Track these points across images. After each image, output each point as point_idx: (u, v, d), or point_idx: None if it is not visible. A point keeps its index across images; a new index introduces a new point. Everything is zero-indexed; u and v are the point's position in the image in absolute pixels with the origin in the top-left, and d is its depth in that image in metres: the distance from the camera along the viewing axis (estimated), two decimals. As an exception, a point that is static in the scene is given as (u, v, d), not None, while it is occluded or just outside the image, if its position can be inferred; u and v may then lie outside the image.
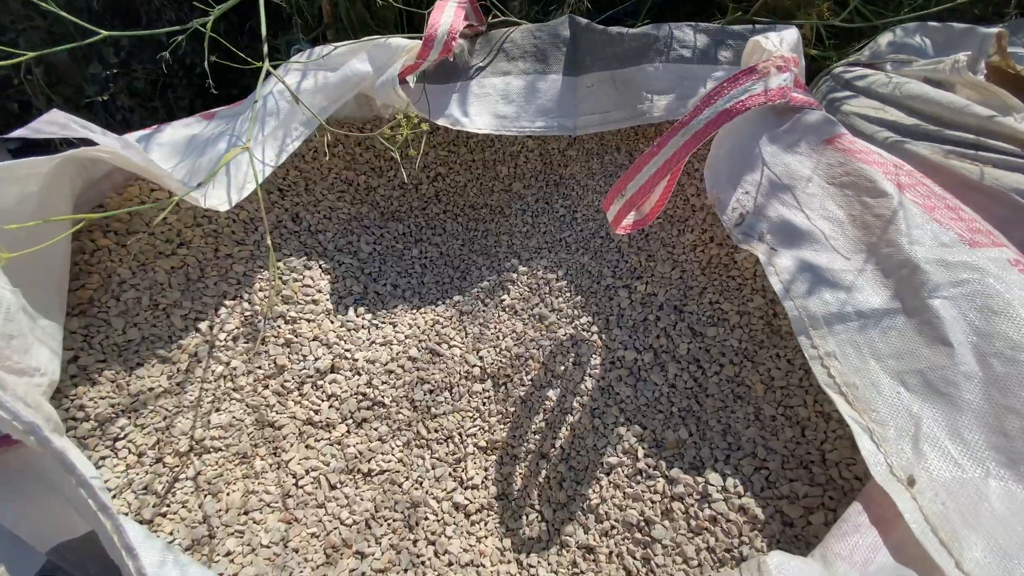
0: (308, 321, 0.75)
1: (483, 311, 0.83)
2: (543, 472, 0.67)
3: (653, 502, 0.59)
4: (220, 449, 0.63)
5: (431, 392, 0.74)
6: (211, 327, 0.69)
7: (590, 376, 0.71)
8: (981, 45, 0.93)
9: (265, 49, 0.70)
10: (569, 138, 0.92)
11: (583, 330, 0.75)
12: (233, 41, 1.16)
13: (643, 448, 0.63)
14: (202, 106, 1.30)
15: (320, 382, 0.72)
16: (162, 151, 0.71)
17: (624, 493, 0.61)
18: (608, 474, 0.63)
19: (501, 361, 0.77)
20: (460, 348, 0.79)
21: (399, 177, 0.95)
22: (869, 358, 0.47)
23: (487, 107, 0.78)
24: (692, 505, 0.56)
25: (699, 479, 0.57)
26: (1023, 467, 0.37)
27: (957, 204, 0.53)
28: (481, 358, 0.78)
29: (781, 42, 0.55)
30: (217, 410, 0.65)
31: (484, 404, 0.75)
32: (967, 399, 0.41)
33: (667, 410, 0.65)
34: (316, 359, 0.72)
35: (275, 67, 0.74)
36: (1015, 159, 0.59)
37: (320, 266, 0.80)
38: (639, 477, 0.61)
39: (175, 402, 0.64)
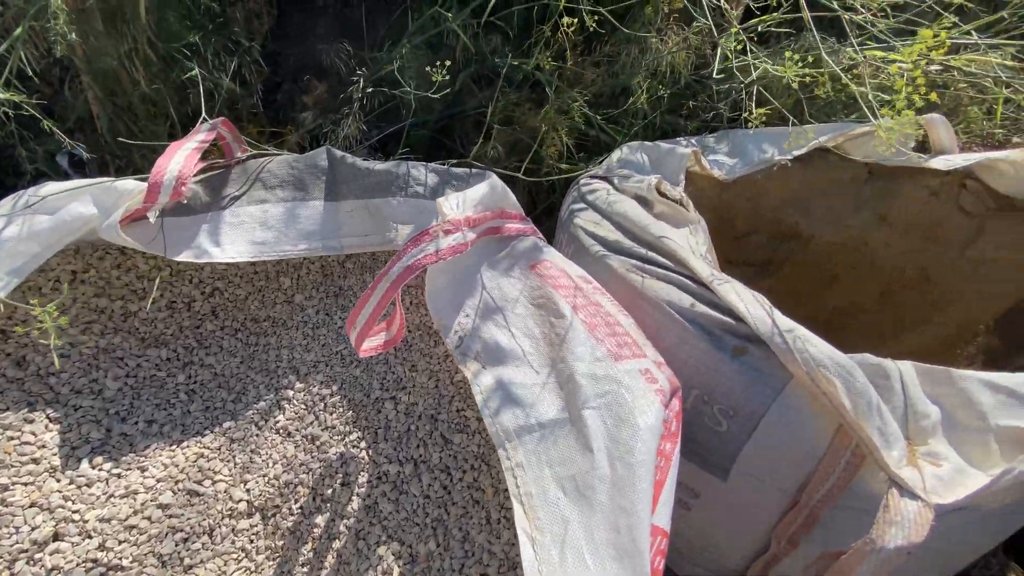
0: (24, 485, 0.66)
1: (256, 436, 0.81)
2: (303, 609, 0.66)
3: (402, 623, 0.61)
4: None
5: (185, 540, 0.69)
6: None
7: (357, 496, 0.73)
8: (680, 161, 1.19)
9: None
10: (348, 250, 0.97)
11: (352, 446, 0.77)
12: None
13: (399, 567, 0.65)
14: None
15: (39, 555, 0.63)
16: None
17: (377, 618, 0.62)
18: (364, 600, 0.64)
19: (269, 491, 0.75)
20: (226, 482, 0.76)
21: (166, 297, 0.91)
22: (544, 466, 0.55)
23: (243, 235, 0.80)
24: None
25: (442, 591, 0.61)
26: (627, 560, 0.46)
27: (617, 320, 0.66)
28: (248, 490, 0.75)
29: (462, 202, 0.66)
30: None
31: (251, 542, 0.72)
32: (600, 500, 0.50)
33: (422, 522, 0.68)
34: (33, 529, 0.64)
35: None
36: (670, 273, 0.75)
37: (47, 416, 0.72)
38: (391, 598, 0.62)
39: None
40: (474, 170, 0.79)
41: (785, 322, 0.61)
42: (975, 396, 0.58)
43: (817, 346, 0.59)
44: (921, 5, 0.98)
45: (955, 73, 1.16)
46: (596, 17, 0.99)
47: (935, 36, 0.70)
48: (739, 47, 1.34)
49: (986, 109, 1.18)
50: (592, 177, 1.15)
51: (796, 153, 1.19)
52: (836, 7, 0.94)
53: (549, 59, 1.05)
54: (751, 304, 0.64)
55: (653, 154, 1.18)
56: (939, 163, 1.13)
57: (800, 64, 1.02)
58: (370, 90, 1.00)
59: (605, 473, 0.52)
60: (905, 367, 0.59)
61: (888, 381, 0.59)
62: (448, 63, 0.92)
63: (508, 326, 0.67)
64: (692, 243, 0.87)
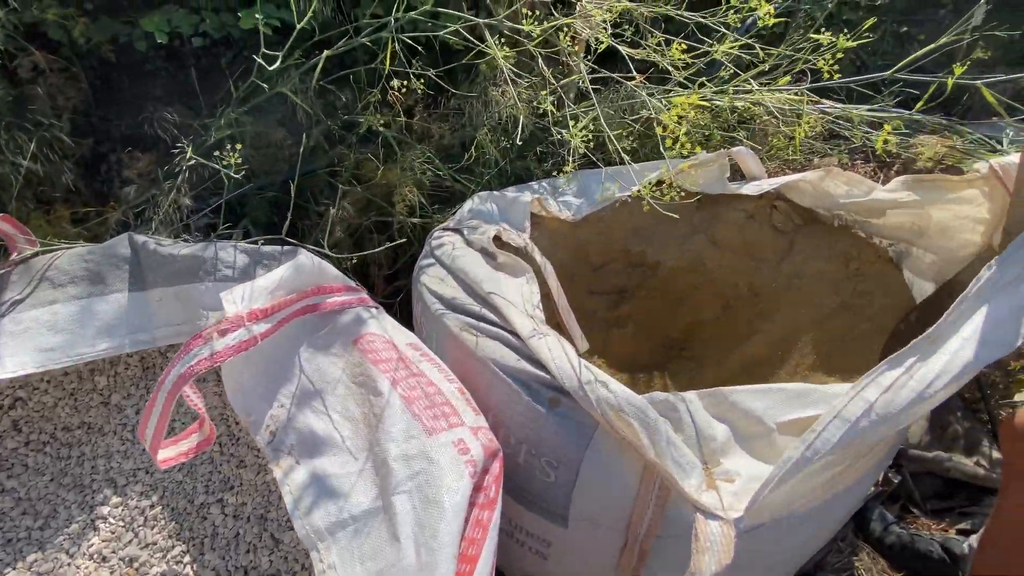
0: None
1: (66, 566, 0.71)
2: None
3: None
4: None
5: None
6: None
7: (179, 619, 0.66)
8: (524, 208, 1.24)
9: None
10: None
11: (176, 563, 0.70)
12: None
13: None
14: None
15: None
16: None
17: None
18: None
19: (73, 634, 0.65)
20: (17, 634, 0.65)
21: (-57, 422, 0.78)
22: (357, 562, 0.53)
23: (27, 343, 0.71)
24: None
25: None
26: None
27: (439, 388, 0.66)
28: (46, 639, 0.65)
29: (248, 294, 0.63)
30: None
31: None
32: (405, 593, 0.49)
33: (252, 637, 0.63)
34: None
35: None
36: (499, 330, 0.77)
37: None
38: None
39: None
40: (286, 247, 0.77)
41: (586, 373, 0.65)
42: (749, 406, 0.65)
43: (614, 391, 0.63)
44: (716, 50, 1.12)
45: (759, 109, 1.33)
46: (423, 80, 1.02)
47: (690, 97, 0.80)
48: (570, 95, 1.44)
49: (787, 139, 1.36)
50: (444, 229, 1.17)
51: (635, 188, 1.30)
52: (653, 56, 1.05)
53: (379, 120, 1.06)
54: (559, 358, 0.67)
55: (501, 203, 1.22)
56: (751, 189, 1.29)
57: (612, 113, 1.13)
58: (191, 161, 0.95)
59: (411, 562, 0.51)
60: (690, 396, 0.65)
61: (677, 413, 0.64)
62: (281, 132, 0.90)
63: (327, 411, 0.65)
64: (526, 293, 0.90)
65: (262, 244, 0.78)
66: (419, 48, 1.11)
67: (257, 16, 1.04)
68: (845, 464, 0.67)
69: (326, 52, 1.00)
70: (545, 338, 0.71)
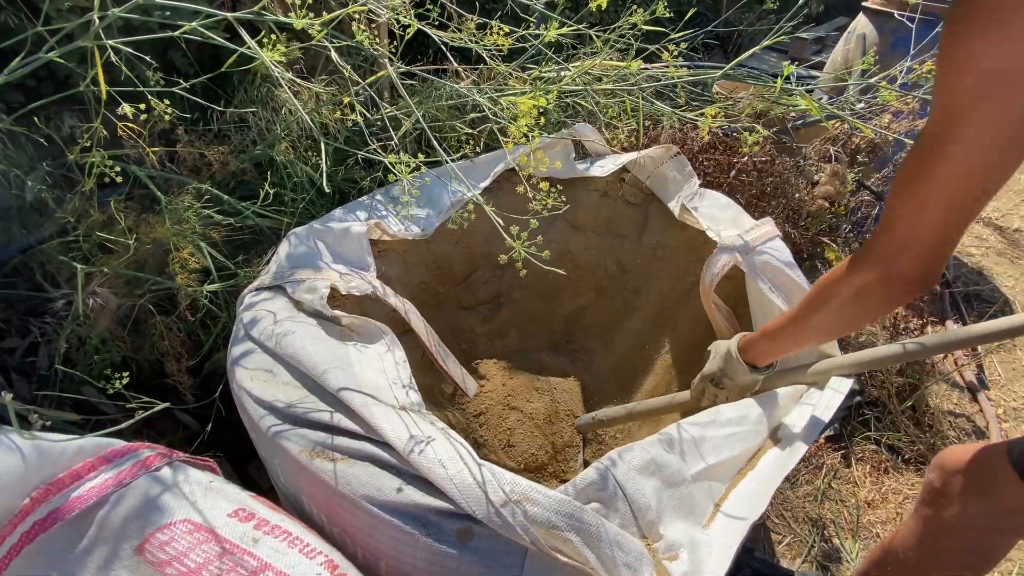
0: None
1: None
2: None
3: None
4: None
5: None
6: None
7: None
8: (360, 241, 1.01)
9: None
10: None
11: None
12: None
13: None
14: None
15: None
16: None
17: None
18: None
19: None
20: None
21: None
22: None
23: None
24: None
25: None
26: None
27: (301, 534, 0.45)
28: None
29: None
30: None
31: None
32: None
33: None
34: None
35: None
36: (365, 445, 0.57)
37: None
38: None
39: None
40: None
41: (498, 492, 0.49)
42: (664, 459, 0.57)
43: (540, 503, 0.49)
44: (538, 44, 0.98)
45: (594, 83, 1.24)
46: (167, 103, 0.71)
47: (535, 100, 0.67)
48: (384, 94, 1.21)
49: (620, 110, 1.31)
50: (259, 290, 0.88)
51: (483, 185, 1.14)
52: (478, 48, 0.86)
53: (108, 163, 0.73)
54: (457, 474, 0.50)
55: (328, 237, 0.97)
56: (597, 170, 1.22)
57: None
58: None
59: None
60: (614, 461, 0.55)
61: (606, 490, 0.53)
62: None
63: None
64: (390, 367, 0.70)
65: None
66: (150, 57, 0.78)
67: None
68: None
69: (2, 79, 0.63)
70: (431, 445, 0.53)
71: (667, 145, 1.17)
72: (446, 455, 0.52)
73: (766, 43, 1.08)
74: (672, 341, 1.23)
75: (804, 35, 1.96)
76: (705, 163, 1.33)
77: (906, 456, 1.29)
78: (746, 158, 1.33)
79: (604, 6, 0.78)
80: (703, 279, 0.96)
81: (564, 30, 0.83)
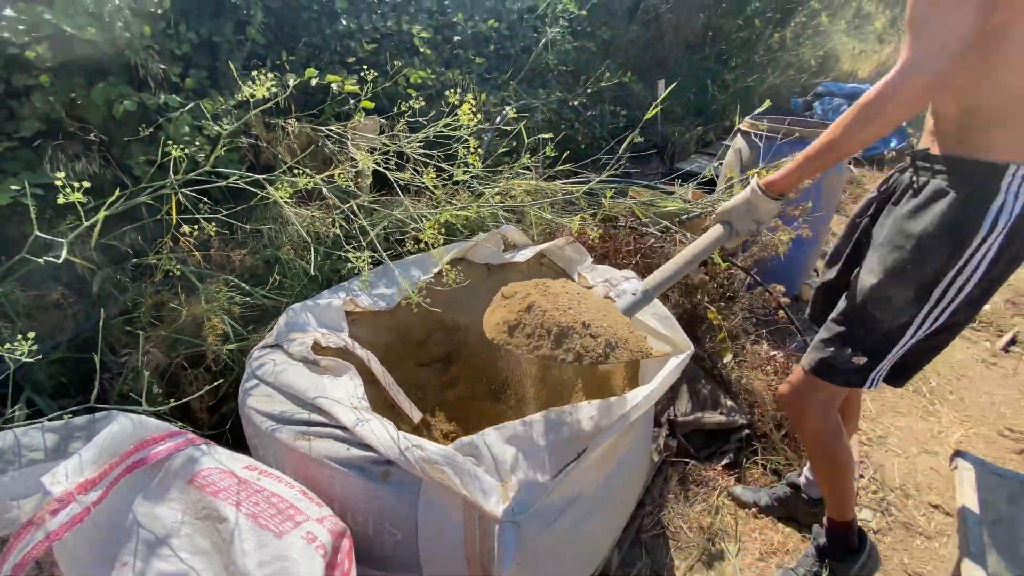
0: None
1: None
2: None
3: None
4: None
5: None
6: None
7: None
8: (337, 312, 1.40)
9: None
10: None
11: None
12: None
13: None
14: None
15: None
16: None
17: None
18: None
19: None
20: None
21: None
22: (232, 673, 0.61)
23: None
24: None
25: None
26: None
27: (281, 495, 0.77)
28: None
29: (73, 469, 0.68)
30: None
31: None
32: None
33: None
34: None
35: None
36: (330, 429, 0.90)
37: None
38: None
39: None
40: (98, 414, 0.80)
41: (404, 442, 0.82)
42: (527, 433, 0.89)
43: (428, 449, 0.81)
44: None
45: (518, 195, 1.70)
46: (213, 224, 1.13)
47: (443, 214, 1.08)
48: (360, 211, 1.65)
49: (537, 215, 1.76)
50: (264, 347, 1.25)
51: (435, 271, 1.55)
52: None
53: (173, 264, 1.13)
54: (382, 437, 0.84)
55: (315, 311, 1.35)
56: (520, 257, 1.64)
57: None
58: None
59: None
60: (488, 432, 0.87)
61: (478, 449, 0.85)
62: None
63: (175, 552, 0.70)
64: (350, 389, 1.05)
65: (69, 418, 0.79)
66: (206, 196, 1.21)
67: (14, 188, 1.03)
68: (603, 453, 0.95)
69: (103, 213, 1.05)
70: (368, 423, 0.87)
71: (567, 236, 1.60)
72: (377, 427, 0.86)
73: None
74: (584, 379, 1.57)
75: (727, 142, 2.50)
76: (603, 247, 1.76)
77: (785, 476, 1.57)
78: (636, 243, 1.77)
79: (479, 165, 1.23)
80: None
81: (462, 175, 1.28)
